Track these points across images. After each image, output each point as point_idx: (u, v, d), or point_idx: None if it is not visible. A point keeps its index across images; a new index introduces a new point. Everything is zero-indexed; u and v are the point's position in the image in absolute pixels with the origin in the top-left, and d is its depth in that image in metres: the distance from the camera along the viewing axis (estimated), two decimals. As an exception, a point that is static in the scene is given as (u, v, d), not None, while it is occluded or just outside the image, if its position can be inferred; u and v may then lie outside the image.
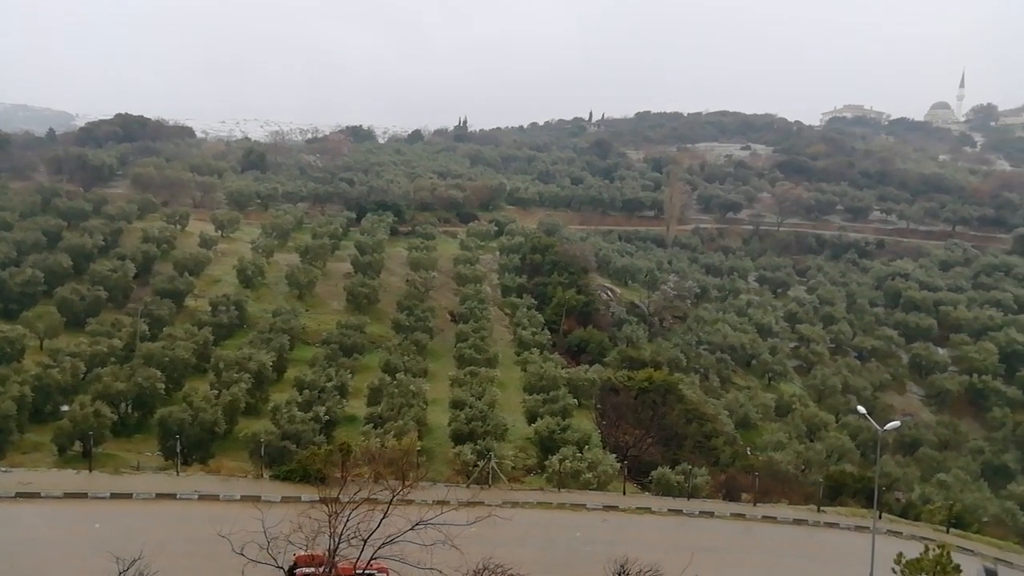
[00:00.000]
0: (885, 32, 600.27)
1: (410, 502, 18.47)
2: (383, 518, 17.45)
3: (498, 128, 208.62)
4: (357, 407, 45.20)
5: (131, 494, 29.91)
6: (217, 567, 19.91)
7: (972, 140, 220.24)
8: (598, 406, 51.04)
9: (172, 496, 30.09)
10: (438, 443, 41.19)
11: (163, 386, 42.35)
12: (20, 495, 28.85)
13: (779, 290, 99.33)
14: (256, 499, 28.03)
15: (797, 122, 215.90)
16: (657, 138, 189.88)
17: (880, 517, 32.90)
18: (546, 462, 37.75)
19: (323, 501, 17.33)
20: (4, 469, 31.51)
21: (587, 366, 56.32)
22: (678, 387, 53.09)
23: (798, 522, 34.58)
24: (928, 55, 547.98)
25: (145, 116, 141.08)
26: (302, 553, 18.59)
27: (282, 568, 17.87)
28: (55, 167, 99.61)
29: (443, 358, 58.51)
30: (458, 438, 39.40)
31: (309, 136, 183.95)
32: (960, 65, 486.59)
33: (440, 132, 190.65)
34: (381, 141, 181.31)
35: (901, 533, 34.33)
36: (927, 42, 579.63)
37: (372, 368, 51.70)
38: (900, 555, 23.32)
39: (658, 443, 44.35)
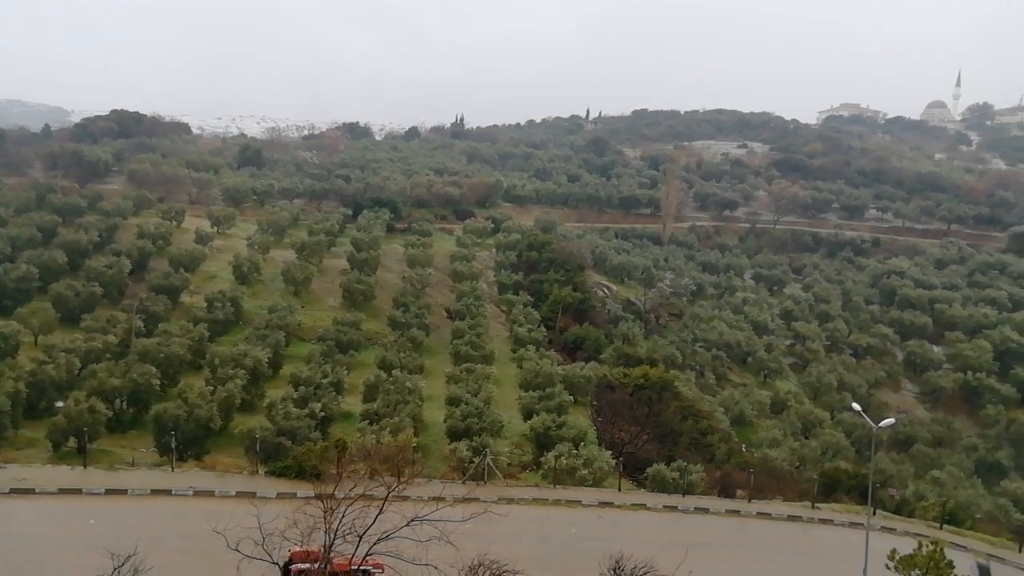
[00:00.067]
0: (885, 32, 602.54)
1: (405, 498, 18.45)
2: (378, 514, 17.44)
3: (495, 125, 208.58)
4: (353, 403, 45.19)
5: (126, 490, 29.88)
6: (212, 563, 19.94)
7: (968, 139, 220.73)
8: (594, 403, 51.07)
9: (167, 492, 30.05)
10: (434, 439, 41.23)
11: (158, 382, 42.37)
12: (14, 491, 28.81)
13: (775, 288, 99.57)
14: (251, 495, 28.05)
15: (794, 120, 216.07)
16: (654, 136, 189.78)
17: (874, 514, 33.06)
18: (542, 459, 37.81)
19: (319, 497, 17.29)
20: (-1, 465, 31.43)
21: (583, 363, 56.31)
22: (674, 384, 53.12)
23: (792, 518, 34.72)
24: (928, 55, 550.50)
25: (141, 112, 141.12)
26: (297, 549, 18.65)
27: (277, 564, 17.87)
28: (50, 163, 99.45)
29: (439, 355, 58.55)
30: (454, 435, 39.49)
31: (306, 133, 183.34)
32: (960, 65, 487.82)
33: (437, 129, 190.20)
34: (378, 138, 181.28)
35: (895, 529, 34.56)
36: (927, 42, 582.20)
37: (368, 365, 51.66)
38: (894, 551, 23.45)
39: (653, 440, 44.44)
